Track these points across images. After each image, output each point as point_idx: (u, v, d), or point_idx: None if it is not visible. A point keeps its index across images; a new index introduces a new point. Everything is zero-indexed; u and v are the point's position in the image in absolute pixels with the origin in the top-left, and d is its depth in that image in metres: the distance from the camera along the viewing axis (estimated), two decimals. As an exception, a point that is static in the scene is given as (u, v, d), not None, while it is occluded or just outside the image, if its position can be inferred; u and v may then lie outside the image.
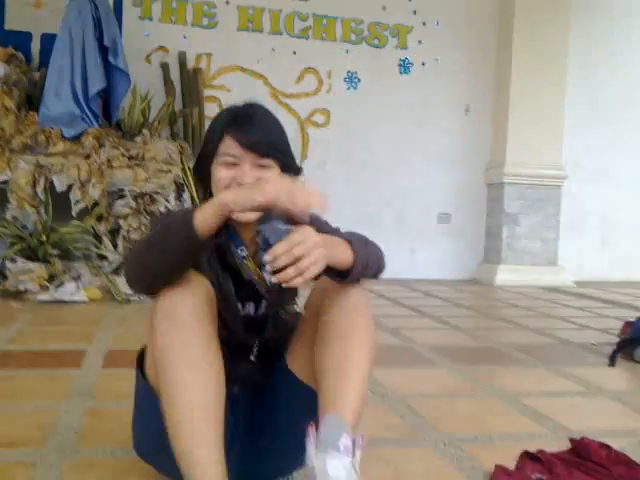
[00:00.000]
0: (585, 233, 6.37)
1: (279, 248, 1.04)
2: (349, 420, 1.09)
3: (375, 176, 5.88)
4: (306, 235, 1.06)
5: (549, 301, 4.87)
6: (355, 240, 1.20)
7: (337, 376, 1.14)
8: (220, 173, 1.24)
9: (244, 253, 1.32)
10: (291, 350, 1.33)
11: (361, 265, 1.18)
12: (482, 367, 2.67)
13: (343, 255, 1.17)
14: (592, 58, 6.22)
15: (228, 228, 1.29)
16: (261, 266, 1.30)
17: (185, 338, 1.10)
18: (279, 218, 1.09)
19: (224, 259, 1.30)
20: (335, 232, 1.33)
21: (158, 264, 1.13)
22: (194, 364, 1.10)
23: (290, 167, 1.30)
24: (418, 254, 5.99)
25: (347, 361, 1.16)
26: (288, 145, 1.31)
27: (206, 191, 1.32)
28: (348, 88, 5.86)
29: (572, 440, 1.73)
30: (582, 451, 1.65)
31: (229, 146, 1.23)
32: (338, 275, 1.19)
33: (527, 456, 1.62)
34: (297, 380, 1.29)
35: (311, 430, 1.07)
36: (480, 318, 4.15)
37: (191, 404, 1.08)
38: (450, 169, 6.07)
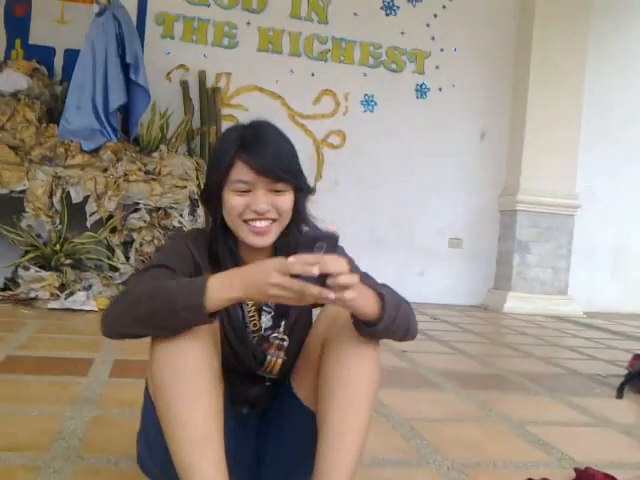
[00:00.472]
0: (596, 263, 6.35)
1: (309, 264, 0.99)
2: None
3: (387, 198, 5.90)
4: (341, 268, 1.02)
5: (558, 330, 4.85)
6: (388, 297, 1.15)
7: (336, 443, 1.14)
8: (233, 201, 1.20)
9: None
10: (296, 375, 1.32)
11: (385, 324, 1.13)
12: (488, 393, 2.66)
13: (369, 309, 1.12)
14: (608, 93, 6.24)
15: (235, 258, 1.29)
16: (261, 310, 1.30)
17: (183, 355, 1.09)
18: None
19: None
20: (363, 276, 1.31)
21: (151, 331, 1.11)
22: (189, 379, 1.09)
23: (303, 188, 1.27)
24: (428, 278, 5.99)
25: (346, 425, 1.15)
26: (299, 165, 1.27)
27: (216, 216, 1.28)
28: (365, 111, 5.91)
29: (576, 470, 1.72)
30: (586, 481, 1.64)
31: (241, 172, 1.19)
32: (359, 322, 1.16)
33: (530, 483, 1.61)
34: (302, 406, 1.29)
35: None
36: (488, 344, 4.14)
37: (190, 419, 1.07)
38: (463, 194, 6.08)
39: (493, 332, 4.71)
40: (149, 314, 1.07)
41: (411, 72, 6.00)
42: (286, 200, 1.22)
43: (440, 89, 6.05)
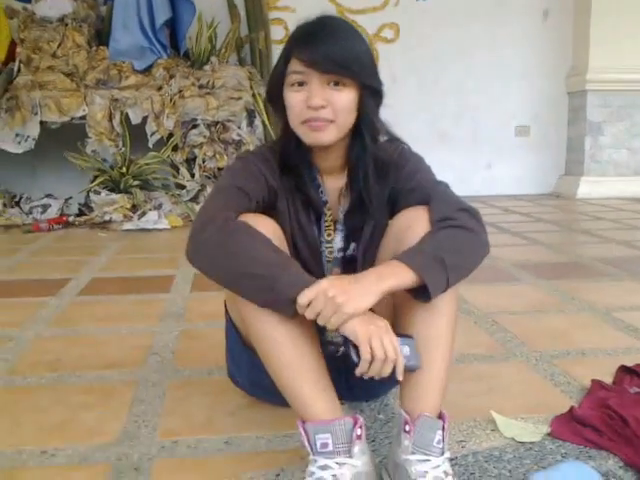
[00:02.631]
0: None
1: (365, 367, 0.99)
2: (439, 408, 1.09)
3: (448, 89, 5.66)
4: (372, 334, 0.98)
5: (636, 212, 4.66)
6: (420, 254, 1.06)
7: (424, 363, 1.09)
8: (291, 98, 1.16)
9: (324, 197, 1.28)
10: None
11: (438, 292, 1.05)
12: (568, 282, 2.60)
13: (401, 282, 1.03)
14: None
15: (310, 169, 1.25)
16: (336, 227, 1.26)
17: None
18: None
19: (303, 196, 1.26)
20: (429, 187, 1.22)
21: (236, 293, 1.09)
22: (285, 326, 1.06)
23: (367, 86, 1.18)
24: (496, 169, 5.81)
25: (433, 342, 1.10)
26: (365, 61, 1.17)
27: (282, 117, 1.23)
28: (417, -1, 5.59)
29: (671, 353, 1.68)
30: (683, 364, 1.60)
31: (294, 65, 1.15)
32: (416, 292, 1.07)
33: (624, 370, 1.58)
34: None
35: (409, 427, 1.05)
36: (563, 232, 4.02)
37: (282, 340, 1.06)
38: (528, 79, 5.76)
39: (568, 219, 4.57)
40: (241, 281, 1.04)
41: (465, -49, 5.58)
42: (342, 97, 1.14)
43: (498, -33, 5.63)
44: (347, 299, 0.97)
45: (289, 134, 1.22)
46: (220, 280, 1.08)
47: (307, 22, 1.20)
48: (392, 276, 1.02)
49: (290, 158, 1.24)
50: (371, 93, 1.19)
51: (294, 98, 1.16)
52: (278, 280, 0.99)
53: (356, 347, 0.98)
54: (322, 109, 1.14)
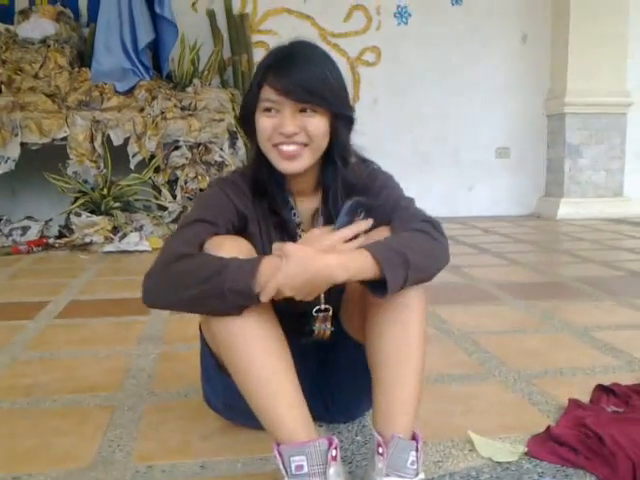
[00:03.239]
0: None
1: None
2: (412, 428, 1.08)
3: (430, 112, 5.73)
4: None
5: (615, 233, 4.72)
6: (383, 246, 1.05)
7: (393, 385, 1.09)
8: (262, 122, 1.16)
9: (298, 219, 1.28)
10: (344, 311, 1.29)
11: (396, 288, 1.04)
12: (548, 302, 2.62)
13: (367, 275, 1.03)
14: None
15: (282, 192, 1.24)
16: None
17: (243, 323, 1.06)
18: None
19: (276, 218, 1.26)
20: (393, 202, 1.22)
21: (199, 312, 1.12)
22: (249, 321, 1.06)
23: (339, 114, 1.18)
24: (476, 191, 5.87)
25: (403, 355, 1.10)
26: (338, 89, 1.18)
27: (254, 142, 1.22)
28: (399, 24, 5.67)
29: (647, 372, 1.69)
30: (658, 383, 1.61)
31: (267, 92, 1.14)
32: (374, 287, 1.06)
33: (601, 389, 1.58)
34: (353, 342, 1.26)
35: (382, 449, 1.05)
36: (543, 253, 4.06)
37: (255, 360, 1.05)
38: (508, 102, 5.85)
39: (548, 240, 4.61)
40: (196, 298, 1.03)
41: (444, -24, 5.69)
42: (316, 123, 1.15)
43: (476, -8, 5.74)
44: (302, 298, 1.03)
45: (261, 158, 1.22)
46: (178, 310, 1.10)
47: (280, 48, 1.19)
48: (353, 263, 1.02)
49: (263, 182, 1.24)
50: (343, 119, 1.20)
51: (265, 123, 1.16)
52: (223, 282, 1.00)
53: None
54: (295, 135, 1.14)
